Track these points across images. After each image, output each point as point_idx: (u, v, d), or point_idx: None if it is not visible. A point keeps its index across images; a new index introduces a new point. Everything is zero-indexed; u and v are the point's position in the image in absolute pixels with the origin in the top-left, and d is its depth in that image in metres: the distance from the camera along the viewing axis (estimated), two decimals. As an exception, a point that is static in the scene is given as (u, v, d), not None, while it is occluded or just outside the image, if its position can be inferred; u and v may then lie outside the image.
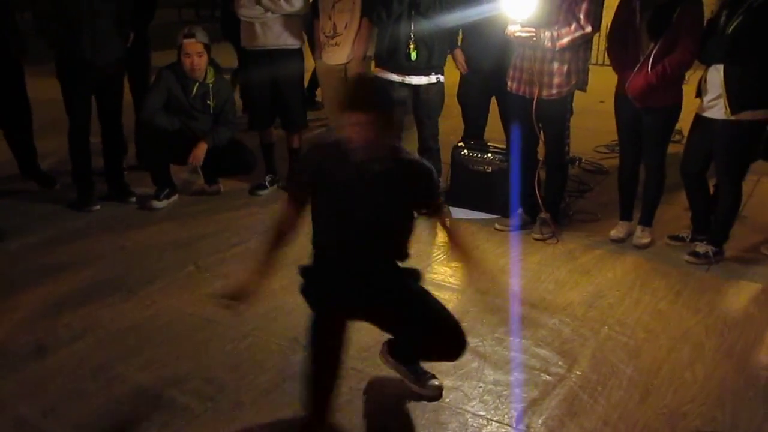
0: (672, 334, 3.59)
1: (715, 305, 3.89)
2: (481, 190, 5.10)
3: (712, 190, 4.52)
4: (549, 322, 3.69)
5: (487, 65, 5.07)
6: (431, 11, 4.76)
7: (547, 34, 4.31)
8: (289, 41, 5.25)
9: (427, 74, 4.91)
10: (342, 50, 5.17)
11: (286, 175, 2.84)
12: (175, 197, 5.31)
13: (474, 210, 5.12)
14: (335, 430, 2.86)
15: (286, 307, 3.75)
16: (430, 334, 2.86)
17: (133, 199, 5.27)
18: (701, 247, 4.37)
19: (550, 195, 4.76)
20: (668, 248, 4.58)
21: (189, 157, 5.15)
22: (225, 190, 5.49)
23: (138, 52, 5.53)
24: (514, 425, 2.91)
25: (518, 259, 4.43)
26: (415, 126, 5.23)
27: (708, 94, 4.14)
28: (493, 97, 5.30)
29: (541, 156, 4.76)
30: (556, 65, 4.41)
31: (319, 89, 6.86)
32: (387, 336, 3.14)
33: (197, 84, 5.14)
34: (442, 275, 4.15)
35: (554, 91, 4.45)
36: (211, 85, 5.19)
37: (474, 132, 5.42)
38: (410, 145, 5.49)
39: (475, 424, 2.91)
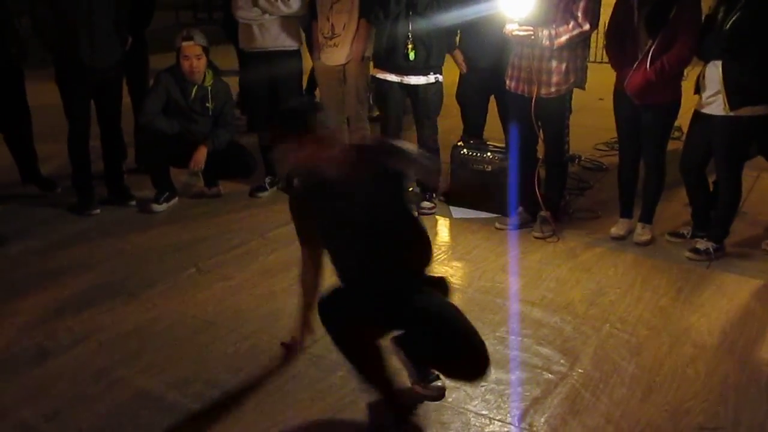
0: (673, 331, 3.59)
1: (716, 302, 3.89)
2: (481, 189, 5.10)
3: (711, 186, 4.52)
4: (550, 320, 3.69)
5: (486, 64, 5.07)
6: (429, 11, 4.76)
7: (545, 32, 4.32)
8: (287, 43, 5.25)
9: (426, 74, 4.91)
10: (340, 51, 5.18)
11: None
12: (175, 200, 5.31)
13: (474, 209, 5.12)
14: (337, 431, 2.87)
15: (288, 309, 3.74)
16: (450, 357, 2.79)
17: (133, 203, 5.27)
18: (702, 244, 4.37)
19: (550, 193, 4.77)
20: (669, 245, 4.58)
21: (189, 160, 5.15)
22: (225, 192, 5.49)
23: (136, 56, 5.54)
24: (517, 424, 2.91)
25: (519, 258, 4.43)
26: (414, 126, 5.23)
27: (706, 91, 4.15)
28: (492, 96, 5.30)
29: (540, 154, 4.76)
30: (554, 63, 4.41)
31: (317, 90, 6.87)
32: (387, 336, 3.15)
33: (196, 87, 5.14)
34: (443, 275, 4.14)
35: (553, 90, 4.45)
36: (209, 88, 5.19)
37: (473, 131, 5.42)
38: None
39: (477, 424, 2.91)
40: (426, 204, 5.12)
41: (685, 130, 4.59)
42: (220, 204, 5.33)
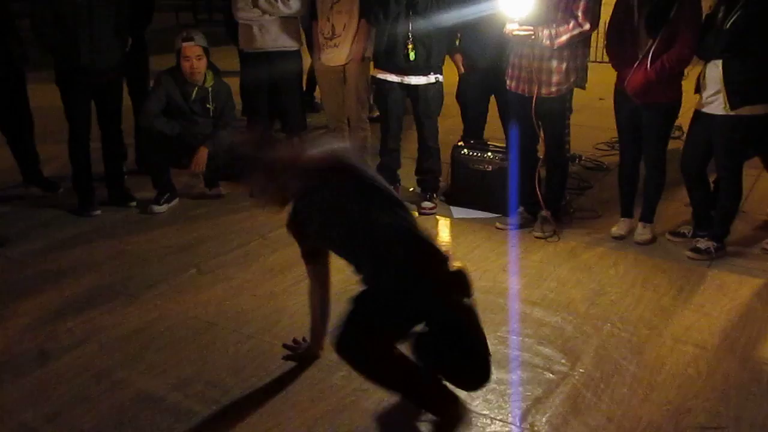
0: (674, 330, 3.59)
1: (717, 301, 3.88)
2: (481, 189, 5.10)
3: (712, 185, 4.52)
4: (551, 320, 3.69)
5: (486, 64, 5.07)
6: (429, 11, 4.76)
7: (546, 32, 4.31)
8: (287, 43, 5.27)
9: (426, 74, 4.91)
10: (341, 51, 5.18)
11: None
12: (175, 201, 5.31)
13: (475, 209, 5.12)
14: (338, 431, 2.87)
15: (288, 310, 3.75)
16: (459, 368, 2.79)
17: (134, 204, 5.27)
18: (703, 243, 4.37)
19: (550, 193, 4.76)
20: (670, 244, 4.57)
21: (190, 162, 5.14)
22: (226, 193, 5.49)
23: (136, 57, 5.54)
24: (518, 424, 2.91)
25: (519, 258, 4.43)
26: (414, 126, 5.23)
27: (707, 90, 4.14)
28: (493, 95, 5.30)
29: (541, 154, 4.76)
30: (554, 63, 4.41)
31: (317, 91, 6.88)
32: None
33: (196, 88, 5.14)
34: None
35: (553, 89, 4.45)
36: (210, 89, 5.19)
37: (474, 131, 5.42)
38: (410, 145, 5.53)
39: (478, 423, 2.91)
40: (426, 204, 5.12)
41: (685, 129, 4.59)
42: (221, 205, 5.33)
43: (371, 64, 5.20)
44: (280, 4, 5.11)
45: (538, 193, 4.68)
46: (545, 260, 4.38)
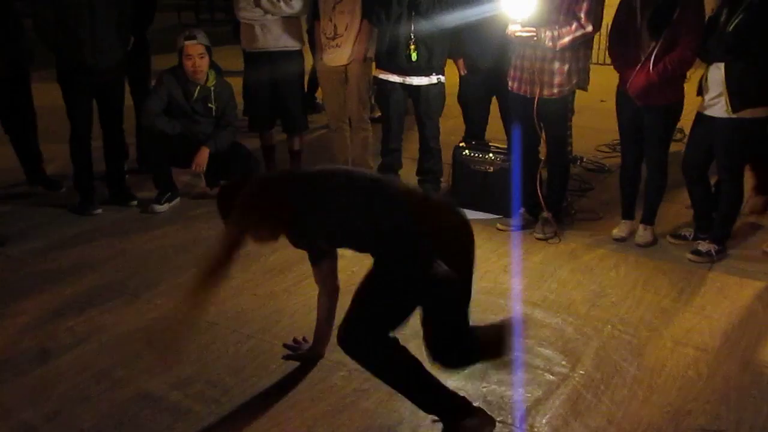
0: (675, 333, 3.59)
1: (718, 303, 3.88)
2: (482, 190, 5.10)
3: (713, 188, 4.51)
4: (552, 321, 3.69)
5: (487, 65, 5.07)
6: (431, 12, 4.76)
7: (548, 33, 4.31)
8: (288, 43, 5.26)
9: (428, 75, 4.92)
10: (343, 51, 5.18)
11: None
12: (176, 201, 5.31)
13: (476, 210, 5.10)
14: (340, 431, 2.87)
15: (289, 310, 3.75)
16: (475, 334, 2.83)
17: (135, 203, 5.28)
18: (704, 245, 4.37)
19: (551, 194, 4.76)
20: (671, 246, 4.57)
21: (191, 161, 5.14)
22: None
23: (138, 56, 5.54)
24: (518, 425, 2.91)
25: (520, 259, 4.43)
26: (416, 126, 5.23)
27: (709, 93, 4.14)
28: (494, 96, 5.30)
29: (542, 155, 4.76)
30: (556, 65, 4.40)
31: (319, 91, 6.87)
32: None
33: (198, 87, 5.13)
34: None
35: (555, 91, 4.45)
36: (212, 88, 5.19)
37: (475, 132, 5.42)
38: (412, 146, 5.53)
39: (479, 425, 2.90)
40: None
41: (687, 131, 4.59)
42: (222, 204, 5.31)
43: (373, 64, 5.20)
44: (282, 3, 5.12)
45: (539, 194, 4.68)
46: (546, 261, 4.38)
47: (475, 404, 2.96)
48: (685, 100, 4.35)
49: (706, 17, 4.16)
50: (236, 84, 5.54)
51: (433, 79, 4.94)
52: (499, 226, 4.86)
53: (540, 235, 4.68)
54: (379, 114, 5.65)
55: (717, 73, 4.07)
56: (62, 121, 5.09)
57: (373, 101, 6.10)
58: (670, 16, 4.09)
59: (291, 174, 2.96)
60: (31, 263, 4.36)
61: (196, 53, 5.05)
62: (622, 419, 2.93)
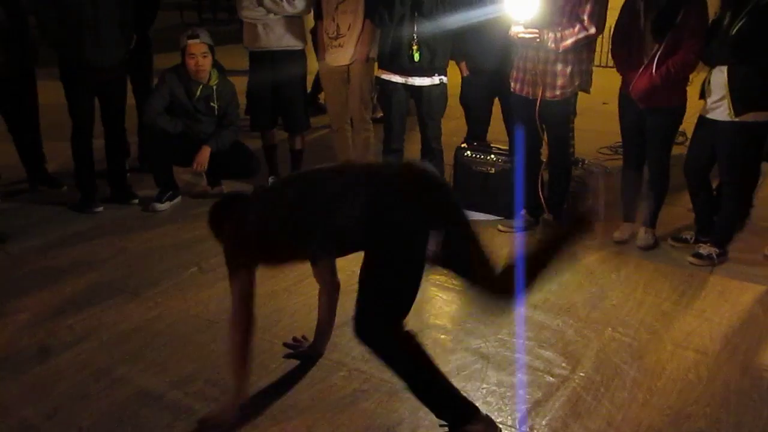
0: (675, 336, 3.58)
1: (718, 307, 3.88)
2: (484, 192, 5.09)
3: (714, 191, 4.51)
4: (552, 323, 3.69)
5: (490, 66, 5.07)
6: (434, 13, 4.75)
7: (551, 35, 4.31)
8: (291, 42, 5.26)
9: (430, 75, 4.91)
10: (345, 51, 5.18)
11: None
12: (177, 199, 5.32)
13: (477, 211, 5.10)
14: (340, 431, 2.87)
15: (289, 309, 3.75)
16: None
17: (136, 201, 5.28)
18: (705, 249, 4.36)
19: (553, 196, 4.76)
20: (672, 249, 4.57)
21: (193, 160, 5.15)
22: (228, 191, 5.49)
23: (141, 55, 5.55)
24: (518, 427, 2.90)
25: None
26: (417, 127, 5.22)
27: (712, 96, 4.14)
28: (496, 98, 5.30)
29: (544, 157, 4.76)
30: (559, 66, 4.40)
31: (322, 92, 6.87)
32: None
33: (201, 86, 5.14)
34: (445, 276, 4.14)
35: (557, 92, 4.45)
36: (214, 87, 5.19)
37: (477, 133, 5.42)
38: (413, 146, 5.52)
39: (478, 426, 2.90)
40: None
41: (689, 134, 4.58)
42: (223, 203, 5.32)
43: (375, 64, 5.20)
44: (284, 3, 5.11)
45: (541, 196, 4.67)
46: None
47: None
48: (688, 103, 4.35)
49: (710, 20, 4.16)
50: (240, 83, 5.54)
51: (436, 79, 4.93)
52: (500, 227, 4.86)
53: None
54: (381, 114, 5.64)
55: (720, 76, 4.07)
56: (64, 119, 5.09)
57: (375, 101, 6.10)
58: (673, 18, 4.09)
59: (265, 198, 2.93)
60: (32, 261, 4.36)
61: (199, 52, 5.05)
62: (622, 422, 2.93)
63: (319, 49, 5.42)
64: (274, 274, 4.13)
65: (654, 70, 4.15)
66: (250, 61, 5.44)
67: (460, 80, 5.41)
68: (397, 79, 4.94)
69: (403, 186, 2.70)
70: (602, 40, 5.10)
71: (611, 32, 4.47)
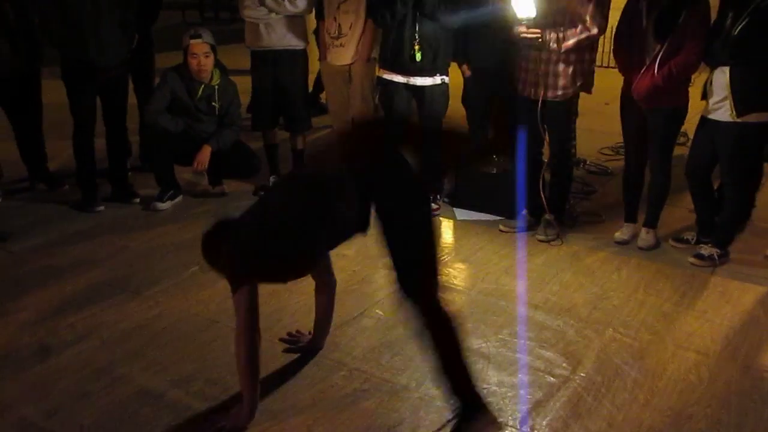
0: (676, 336, 3.58)
1: (719, 308, 3.87)
2: (485, 192, 5.09)
3: (716, 192, 4.51)
4: (553, 323, 3.68)
5: (492, 67, 5.06)
6: (435, 13, 4.75)
7: (553, 35, 4.31)
8: (293, 42, 5.26)
9: (432, 75, 4.90)
10: (346, 51, 5.18)
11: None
12: (179, 198, 5.32)
13: (478, 211, 5.12)
14: (338, 431, 2.87)
15: (289, 309, 3.75)
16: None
17: (137, 200, 5.28)
18: (706, 250, 4.36)
19: (554, 196, 4.76)
20: (673, 250, 4.57)
21: (193, 160, 5.15)
22: (229, 191, 5.50)
23: (143, 54, 5.55)
24: (519, 427, 2.90)
25: (522, 261, 4.42)
26: (419, 127, 5.22)
27: (714, 97, 4.13)
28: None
29: (545, 157, 4.76)
30: (561, 67, 4.40)
31: (323, 92, 6.87)
32: (389, 338, 3.13)
33: (203, 86, 5.14)
34: (445, 276, 4.14)
35: (559, 93, 4.45)
36: (216, 87, 5.19)
37: (478, 134, 5.41)
38: (414, 147, 5.51)
39: (479, 426, 2.90)
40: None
41: (691, 135, 4.58)
42: (224, 203, 5.33)
43: (377, 64, 5.20)
44: (286, 2, 5.11)
45: (542, 196, 4.67)
46: (548, 264, 4.38)
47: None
48: (690, 104, 4.35)
49: (711, 21, 4.16)
50: (242, 83, 5.55)
51: (437, 79, 4.93)
52: (501, 227, 4.85)
53: (542, 238, 4.68)
54: (383, 114, 5.64)
55: (721, 77, 4.06)
56: (66, 118, 5.09)
57: (376, 101, 6.10)
58: (675, 19, 4.08)
59: (255, 215, 2.95)
60: (33, 259, 4.37)
61: (202, 52, 5.05)
62: (623, 422, 2.93)
63: (320, 48, 5.42)
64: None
65: (656, 71, 4.15)
66: (251, 60, 5.44)
67: (462, 81, 5.40)
68: (398, 78, 4.94)
69: (370, 151, 2.75)
70: (604, 41, 5.09)
71: (613, 32, 4.47)
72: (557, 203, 4.77)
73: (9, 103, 5.33)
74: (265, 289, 3.93)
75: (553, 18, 4.32)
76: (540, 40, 4.32)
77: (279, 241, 2.77)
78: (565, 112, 4.55)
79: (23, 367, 3.26)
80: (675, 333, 3.61)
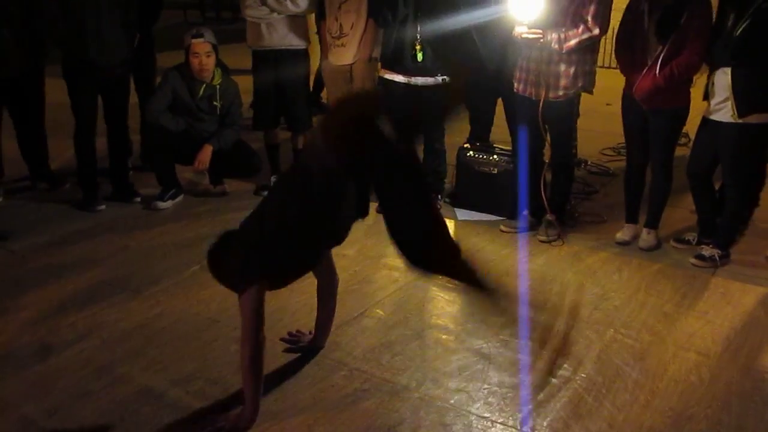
0: (677, 337, 3.58)
1: (720, 308, 3.87)
2: (486, 192, 5.09)
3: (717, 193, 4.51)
4: (554, 324, 3.68)
5: (493, 67, 5.06)
6: (437, 13, 4.75)
7: (555, 35, 4.31)
8: (294, 42, 5.26)
9: (433, 75, 4.90)
10: (348, 51, 5.18)
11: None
12: (180, 198, 5.32)
13: (479, 211, 5.11)
14: (338, 430, 2.87)
15: (290, 308, 3.75)
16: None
17: (138, 200, 5.28)
18: (707, 250, 4.36)
19: (555, 197, 4.75)
20: (674, 251, 4.56)
21: (194, 159, 5.15)
22: (230, 190, 5.50)
23: (144, 53, 5.54)
24: (519, 427, 2.90)
25: (524, 261, 4.42)
26: (420, 127, 5.21)
27: (715, 97, 4.13)
28: (499, 98, 5.29)
29: (546, 158, 4.76)
30: (562, 67, 4.40)
31: (324, 91, 6.87)
32: (389, 338, 3.13)
33: (204, 85, 5.13)
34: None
35: (561, 93, 4.44)
36: (218, 86, 5.19)
37: (480, 133, 5.42)
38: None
39: (479, 426, 2.90)
40: (431, 205, 5.10)
41: (692, 136, 4.58)
42: (225, 202, 5.33)
43: (378, 64, 5.19)
44: (288, 2, 5.11)
45: (543, 196, 4.67)
46: (549, 264, 4.38)
47: (476, 406, 2.97)
48: (691, 105, 4.34)
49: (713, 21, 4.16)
50: (243, 82, 5.54)
51: (439, 79, 4.93)
52: (502, 228, 4.85)
53: (543, 238, 4.67)
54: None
55: (723, 77, 4.06)
56: (67, 118, 5.09)
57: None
58: (677, 20, 4.08)
59: (258, 219, 2.97)
60: (34, 258, 4.36)
61: (203, 51, 5.05)
62: (624, 423, 2.92)
63: (321, 48, 5.41)
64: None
65: (657, 72, 4.14)
66: (253, 60, 5.44)
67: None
68: (400, 78, 4.94)
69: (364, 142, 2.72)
70: (606, 41, 5.09)
71: (615, 33, 4.47)
72: (558, 204, 4.77)
73: (13, 102, 5.32)
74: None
75: (554, 18, 4.32)
76: (541, 40, 4.32)
77: (280, 240, 2.78)
78: (566, 113, 4.55)
79: (24, 366, 3.25)
80: (676, 334, 3.61)
